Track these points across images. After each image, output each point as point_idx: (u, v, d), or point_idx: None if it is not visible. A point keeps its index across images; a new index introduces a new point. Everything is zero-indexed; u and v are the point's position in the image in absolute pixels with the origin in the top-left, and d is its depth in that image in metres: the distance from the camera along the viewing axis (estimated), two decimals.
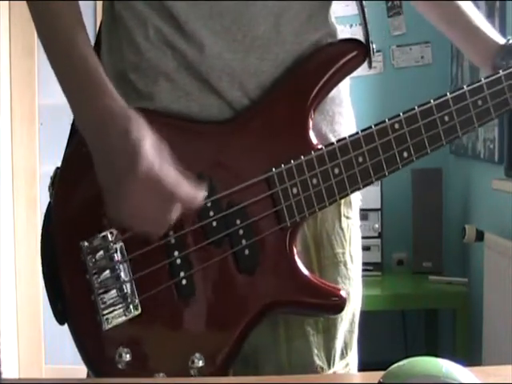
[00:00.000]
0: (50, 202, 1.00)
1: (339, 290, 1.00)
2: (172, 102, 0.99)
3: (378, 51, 3.24)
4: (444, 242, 3.11)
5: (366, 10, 1.08)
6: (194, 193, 0.90)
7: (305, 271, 0.99)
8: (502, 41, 1.14)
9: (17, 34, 3.26)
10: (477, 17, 1.16)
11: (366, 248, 2.99)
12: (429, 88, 3.07)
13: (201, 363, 0.95)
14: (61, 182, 0.98)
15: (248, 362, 1.06)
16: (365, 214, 3.03)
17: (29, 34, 3.12)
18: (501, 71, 1.05)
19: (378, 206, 3.07)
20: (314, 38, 1.03)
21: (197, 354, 0.95)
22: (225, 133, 0.99)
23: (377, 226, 3.08)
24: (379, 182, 3.02)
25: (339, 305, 1.00)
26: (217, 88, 0.99)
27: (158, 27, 0.99)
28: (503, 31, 2.61)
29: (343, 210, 1.08)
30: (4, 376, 0.90)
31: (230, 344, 0.97)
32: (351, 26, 2.90)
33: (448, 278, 2.99)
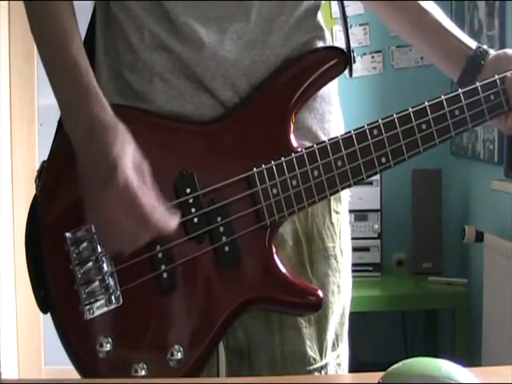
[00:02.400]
0: (35, 194, 1.02)
1: (317, 289, 1.02)
2: (167, 102, 1.01)
3: (377, 52, 3.24)
4: (444, 242, 3.11)
5: (348, 19, 1.11)
6: (168, 219, 0.93)
7: (283, 269, 1.01)
8: (471, 48, 1.12)
9: (16, 34, 3.26)
10: (446, 21, 1.14)
11: (365, 248, 2.99)
12: (428, 89, 3.07)
13: (180, 355, 0.98)
14: (47, 175, 1.01)
15: (242, 353, 1.09)
16: (364, 214, 3.03)
17: (28, 35, 3.12)
18: (477, 82, 1.06)
19: (378, 207, 3.07)
20: (303, 41, 1.06)
21: (176, 346, 0.98)
22: (210, 132, 1.01)
23: (376, 226, 3.07)
24: (379, 182, 3.02)
25: (316, 304, 1.02)
26: (210, 88, 1.01)
27: (153, 30, 1.01)
28: (503, 31, 2.61)
29: (333, 205, 1.11)
30: (4, 377, 0.92)
31: (208, 338, 0.99)
32: (351, 26, 2.90)
33: (448, 278, 2.99)
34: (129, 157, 0.92)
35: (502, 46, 2.61)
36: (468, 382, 0.69)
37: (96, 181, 0.92)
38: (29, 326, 3.30)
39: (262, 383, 0.98)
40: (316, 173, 1.01)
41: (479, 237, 2.66)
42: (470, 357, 2.78)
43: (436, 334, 3.27)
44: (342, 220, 1.12)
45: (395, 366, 0.72)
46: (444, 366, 0.69)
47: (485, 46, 1.12)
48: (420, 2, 1.15)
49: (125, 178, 0.90)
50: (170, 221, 0.93)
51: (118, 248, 0.94)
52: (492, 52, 1.12)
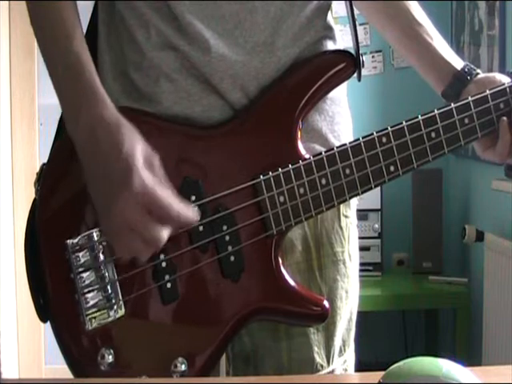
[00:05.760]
0: (35, 199, 0.99)
1: (322, 299, 1.00)
2: (175, 103, 0.99)
3: (378, 51, 3.24)
4: (444, 242, 3.11)
5: (356, 22, 1.07)
6: (188, 213, 0.90)
7: (289, 279, 0.99)
8: (459, 65, 1.11)
9: (17, 33, 3.26)
10: (437, 38, 1.13)
11: (366, 248, 2.99)
12: (428, 88, 3.06)
13: (183, 367, 0.95)
14: (46, 179, 0.97)
15: (248, 359, 1.07)
16: (365, 214, 3.03)
17: (29, 34, 3.11)
18: (487, 90, 1.05)
19: (378, 207, 3.07)
20: (314, 41, 1.04)
21: (179, 359, 0.95)
22: (215, 137, 0.99)
23: (377, 226, 3.07)
24: None
25: (322, 314, 1.00)
26: (219, 89, 0.99)
27: (159, 29, 0.99)
28: (503, 31, 2.61)
29: (342, 209, 1.09)
30: (4, 377, 0.90)
31: (212, 349, 0.97)
32: None
33: (448, 278, 2.99)
34: (140, 154, 0.88)
35: (502, 45, 2.61)
36: (468, 381, 0.69)
37: (109, 185, 0.88)
38: (29, 326, 3.30)
39: (264, 383, 0.98)
40: (324, 181, 0.99)
41: (479, 236, 2.66)
42: (470, 356, 2.78)
43: (436, 333, 3.27)
44: (351, 224, 1.10)
45: (395, 365, 0.72)
46: (444, 366, 0.69)
47: (473, 66, 1.11)
48: (415, 15, 1.13)
49: (140, 178, 0.87)
50: (189, 213, 0.90)
51: (136, 253, 0.90)
52: (480, 72, 1.11)
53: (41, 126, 3.36)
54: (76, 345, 0.96)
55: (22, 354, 3.35)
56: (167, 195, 0.89)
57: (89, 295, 0.94)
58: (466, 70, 1.11)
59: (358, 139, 1.00)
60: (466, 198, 3.09)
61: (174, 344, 0.97)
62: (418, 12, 1.13)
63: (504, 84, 1.06)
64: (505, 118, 1.05)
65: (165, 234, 0.89)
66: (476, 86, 1.08)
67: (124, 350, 0.95)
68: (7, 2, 3.24)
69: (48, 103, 3.25)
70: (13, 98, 3.33)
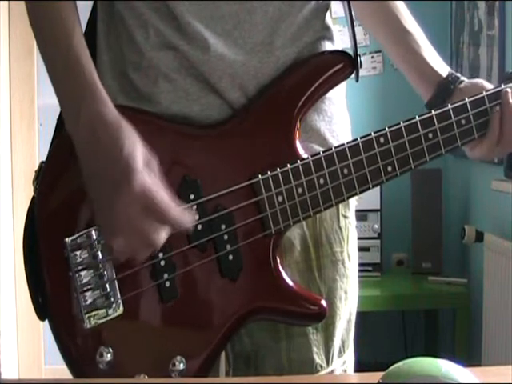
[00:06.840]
0: (33, 197, 0.99)
1: (320, 299, 1.01)
2: (173, 103, 0.99)
3: (377, 52, 3.24)
4: (444, 242, 3.11)
5: (355, 23, 1.08)
6: (185, 217, 0.91)
7: (287, 279, 1.00)
8: (445, 72, 1.12)
9: (16, 34, 3.26)
10: (425, 46, 1.14)
11: (365, 248, 2.99)
12: None
13: (182, 366, 0.95)
14: (45, 177, 0.97)
15: (249, 359, 1.08)
16: (364, 214, 3.03)
17: (28, 34, 3.11)
18: (484, 92, 1.06)
19: (378, 207, 3.07)
20: (312, 41, 1.04)
21: (178, 357, 0.96)
22: (214, 136, 0.99)
23: (376, 226, 3.07)
24: None
25: (319, 314, 1.00)
26: (218, 88, 0.99)
27: (158, 29, 0.99)
28: (503, 31, 2.61)
29: (341, 209, 1.09)
30: (4, 377, 0.90)
31: (211, 348, 0.97)
32: None
33: (447, 278, 2.99)
34: (140, 155, 0.89)
35: (502, 45, 2.61)
36: (468, 381, 0.69)
37: (108, 184, 0.89)
38: (29, 326, 3.30)
39: (264, 383, 0.98)
40: (322, 181, 0.99)
41: (479, 237, 2.66)
42: (470, 357, 2.78)
43: (436, 334, 3.27)
44: (350, 225, 1.11)
45: (395, 365, 0.72)
46: (444, 366, 0.69)
47: (458, 74, 1.12)
48: (403, 22, 1.14)
49: (140, 179, 0.87)
50: (186, 217, 0.91)
51: (134, 253, 0.91)
52: (465, 79, 1.12)
53: (40, 127, 3.36)
54: (74, 343, 0.96)
55: (21, 355, 3.35)
56: (165, 198, 0.89)
57: (87, 293, 0.94)
58: (450, 79, 1.11)
59: (356, 139, 1.01)
60: (466, 198, 3.09)
61: (172, 343, 0.97)
62: (407, 19, 1.14)
63: (501, 86, 1.06)
64: (498, 108, 1.06)
65: (163, 234, 0.90)
66: (460, 93, 1.09)
67: (122, 348, 0.96)
68: (7, 2, 3.24)
69: (48, 104, 3.25)
70: (12, 98, 3.33)
